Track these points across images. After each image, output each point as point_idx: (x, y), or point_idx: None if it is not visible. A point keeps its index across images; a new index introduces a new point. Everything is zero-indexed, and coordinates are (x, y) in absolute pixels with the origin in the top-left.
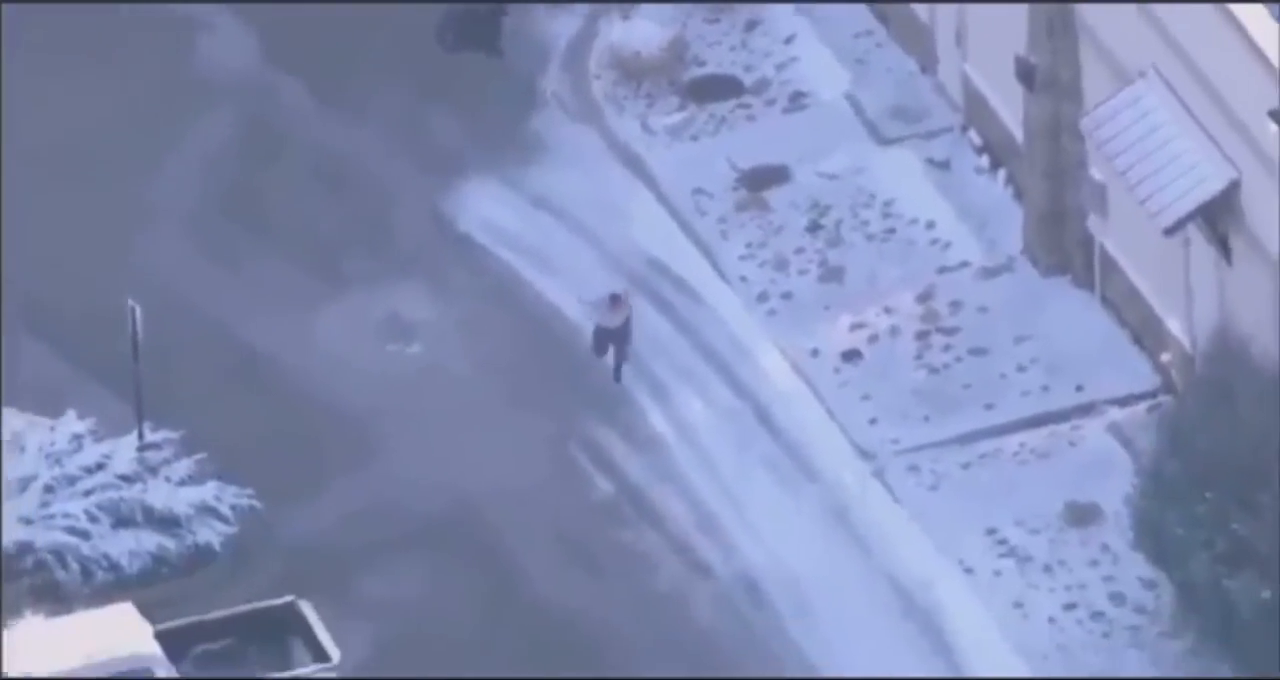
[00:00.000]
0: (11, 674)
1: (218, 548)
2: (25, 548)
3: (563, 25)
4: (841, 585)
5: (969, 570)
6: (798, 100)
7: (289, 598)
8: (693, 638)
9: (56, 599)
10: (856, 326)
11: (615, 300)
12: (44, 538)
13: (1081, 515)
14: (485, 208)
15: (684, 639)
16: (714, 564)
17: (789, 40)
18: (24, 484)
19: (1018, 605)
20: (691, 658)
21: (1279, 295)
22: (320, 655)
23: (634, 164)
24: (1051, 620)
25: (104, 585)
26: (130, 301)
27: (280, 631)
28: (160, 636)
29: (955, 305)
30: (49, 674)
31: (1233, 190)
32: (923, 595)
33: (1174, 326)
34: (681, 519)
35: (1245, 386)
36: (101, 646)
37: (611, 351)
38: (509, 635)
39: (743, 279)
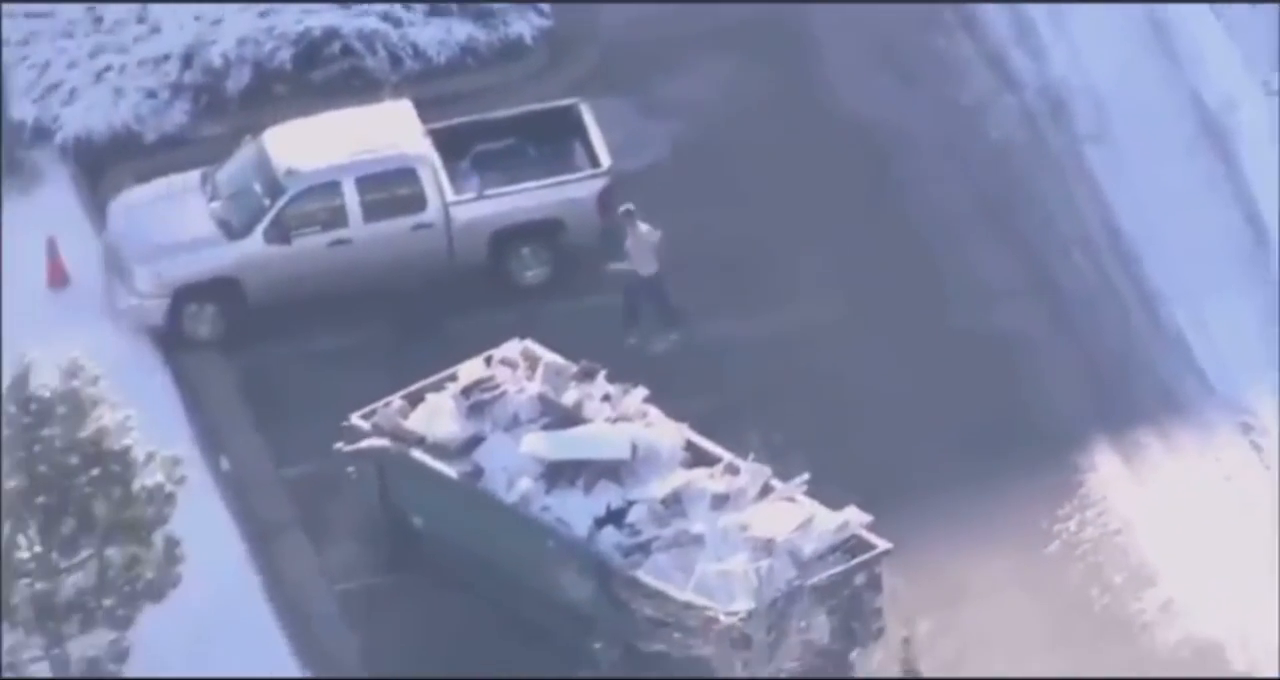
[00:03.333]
0: (281, 164)
1: (529, 41)
2: (332, 33)
3: None
4: (1146, 104)
5: (1273, 93)
6: None
7: (572, 100)
8: (986, 150)
9: (362, 87)
10: None
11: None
12: (353, 23)
13: None
14: None
15: (977, 150)
16: (1023, 77)
17: None
18: None
19: None
20: (981, 170)
21: None
22: (595, 161)
23: None
24: None
25: (410, 74)
26: None
27: (561, 134)
28: (436, 134)
29: None
30: (313, 167)
31: None
32: (1225, 117)
33: None
34: (1000, 28)
35: None
36: (369, 142)
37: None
38: (805, 138)
39: None
